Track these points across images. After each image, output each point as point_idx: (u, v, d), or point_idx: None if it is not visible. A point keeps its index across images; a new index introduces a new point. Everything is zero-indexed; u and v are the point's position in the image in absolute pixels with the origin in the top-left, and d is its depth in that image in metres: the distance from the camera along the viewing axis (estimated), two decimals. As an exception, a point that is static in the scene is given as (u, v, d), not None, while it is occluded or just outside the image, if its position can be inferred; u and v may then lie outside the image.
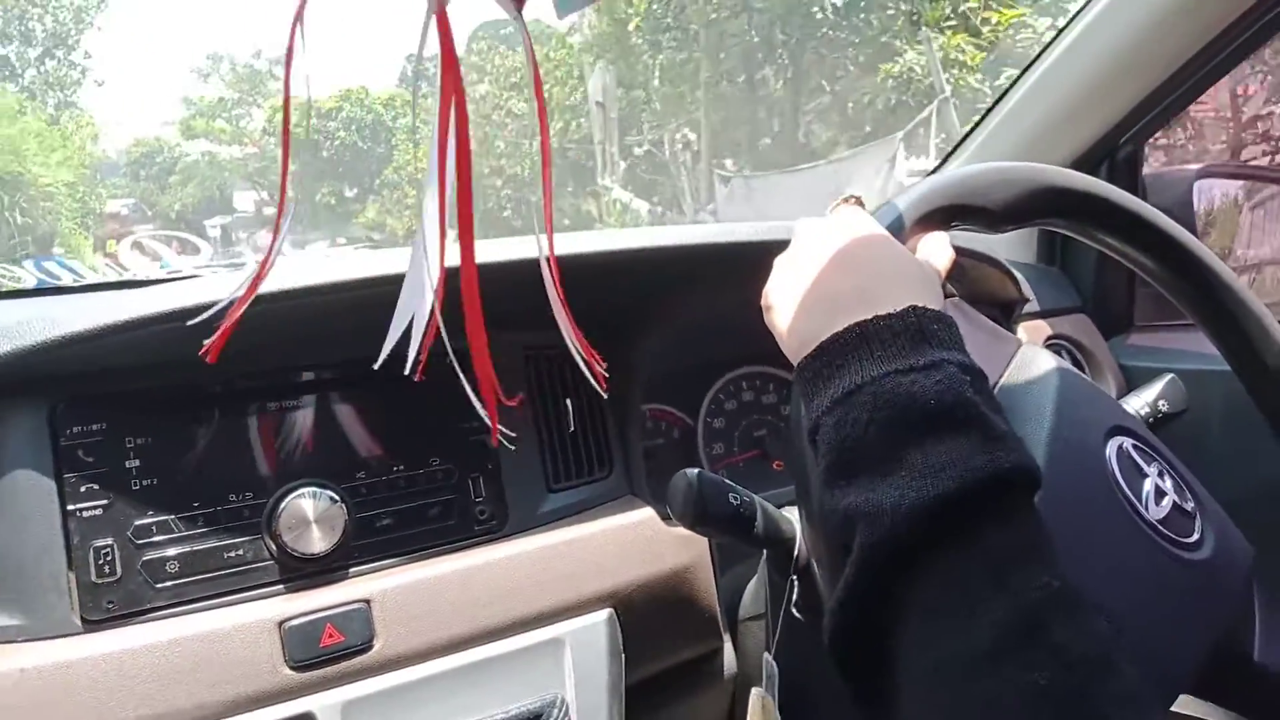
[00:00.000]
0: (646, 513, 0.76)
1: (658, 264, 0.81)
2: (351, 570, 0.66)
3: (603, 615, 0.70)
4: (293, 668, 0.60)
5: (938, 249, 0.51)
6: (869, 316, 0.41)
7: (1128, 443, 0.54)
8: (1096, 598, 0.37)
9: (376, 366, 0.34)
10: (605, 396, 0.55)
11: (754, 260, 0.84)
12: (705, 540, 0.77)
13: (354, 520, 0.66)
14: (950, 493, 0.36)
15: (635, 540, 0.74)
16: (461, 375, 0.38)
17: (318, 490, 0.65)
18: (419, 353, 0.33)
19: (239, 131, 29.40)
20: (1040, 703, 0.32)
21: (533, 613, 0.68)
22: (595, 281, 0.79)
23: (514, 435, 0.49)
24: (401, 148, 24.99)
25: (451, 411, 0.73)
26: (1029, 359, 0.56)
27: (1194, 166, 1.08)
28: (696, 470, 0.60)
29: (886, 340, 0.40)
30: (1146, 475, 0.53)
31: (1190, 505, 0.54)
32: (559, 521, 0.74)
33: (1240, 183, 1.24)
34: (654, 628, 0.73)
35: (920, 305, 0.41)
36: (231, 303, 0.39)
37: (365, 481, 0.68)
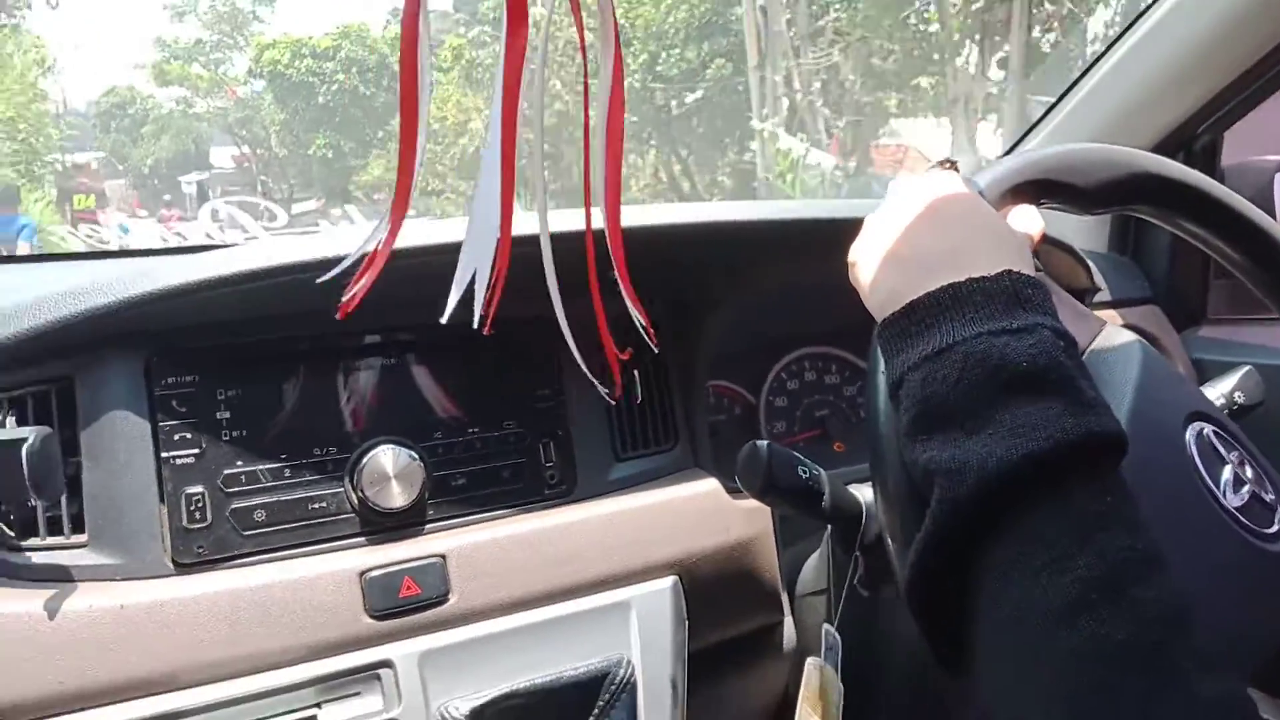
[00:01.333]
0: (712, 484, 0.77)
1: (729, 240, 0.82)
2: (428, 526, 0.68)
3: (668, 582, 0.71)
4: (373, 617, 0.62)
5: (1029, 219, 0.51)
6: (962, 279, 0.41)
7: (1208, 428, 0.54)
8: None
9: (444, 320, 0.34)
10: (655, 352, 0.55)
11: (824, 239, 0.84)
12: (769, 514, 0.78)
13: (431, 478, 0.68)
14: (1040, 452, 0.36)
15: (701, 510, 0.75)
16: (569, 337, 0.39)
17: (398, 448, 0.67)
18: (485, 307, 0.33)
19: (218, 78, 25.21)
20: (1117, 656, 0.33)
21: (600, 575, 0.69)
22: (665, 256, 0.79)
23: (617, 396, 0.50)
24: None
25: (526, 377, 0.74)
26: (1112, 338, 0.56)
27: (1276, 158, 1.05)
28: (765, 441, 0.61)
29: (980, 302, 0.40)
30: (1226, 462, 0.52)
31: (1270, 497, 0.53)
32: (626, 489, 0.76)
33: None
34: (717, 597, 0.74)
35: (1015, 270, 0.41)
36: (360, 260, 0.39)
37: (442, 441, 0.70)
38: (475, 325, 0.35)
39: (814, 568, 0.79)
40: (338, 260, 0.63)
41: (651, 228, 0.75)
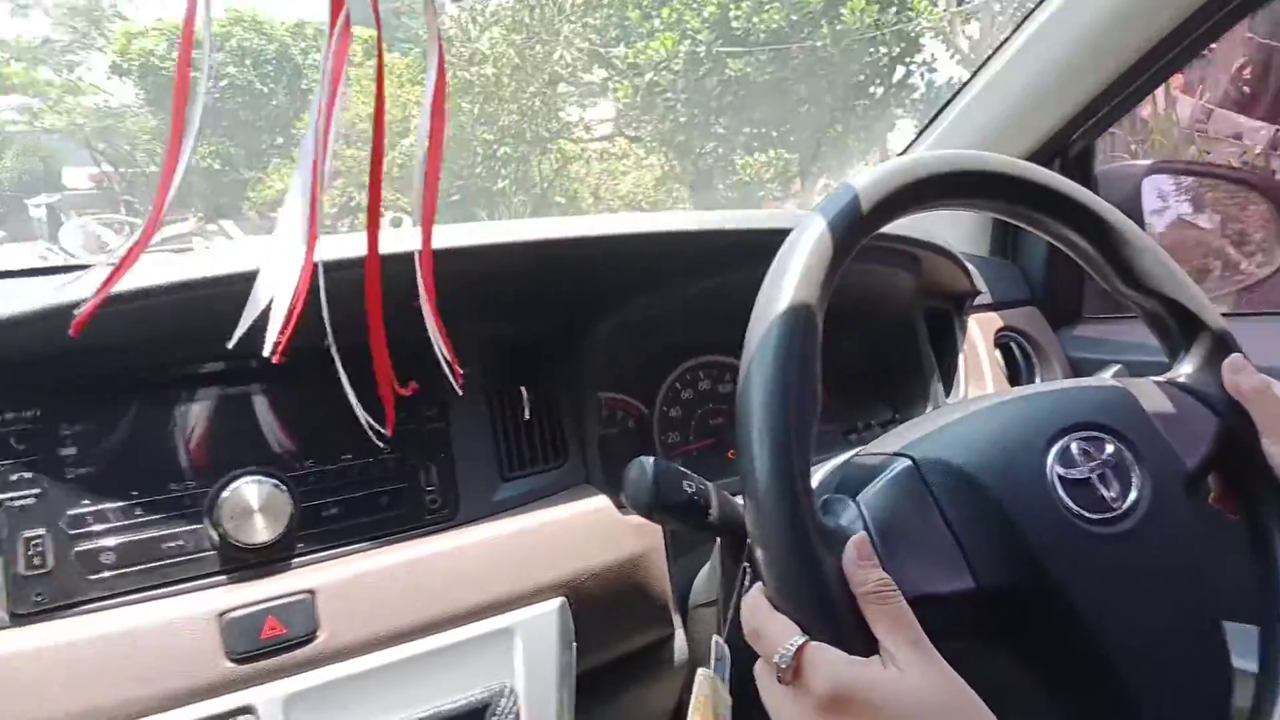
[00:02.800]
0: (602, 501, 0.76)
1: (618, 253, 0.80)
2: (296, 560, 0.65)
3: (554, 604, 0.70)
4: (232, 660, 0.58)
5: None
6: None
7: (1051, 457, 0.53)
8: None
9: (230, 345, 0.32)
10: (460, 394, 0.53)
11: (715, 251, 0.83)
12: (660, 528, 0.77)
13: (300, 509, 0.65)
14: None
15: (590, 528, 0.74)
16: (341, 372, 0.37)
17: (262, 478, 0.63)
18: (279, 334, 0.31)
19: (71, 84, 20.26)
20: None
21: (483, 602, 0.67)
22: (552, 269, 0.78)
23: (386, 433, 0.48)
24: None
25: (403, 399, 0.71)
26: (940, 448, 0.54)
27: (1144, 163, 1.10)
28: (651, 458, 0.60)
29: None
30: (1086, 474, 0.53)
31: (1111, 452, 0.53)
32: (513, 510, 0.74)
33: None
34: (607, 616, 0.73)
35: None
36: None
37: (313, 469, 0.67)
38: (265, 354, 0.33)
39: (705, 579, 0.79)
40: (191, 284, 0.60)
41: (535, 242, 0.73)
